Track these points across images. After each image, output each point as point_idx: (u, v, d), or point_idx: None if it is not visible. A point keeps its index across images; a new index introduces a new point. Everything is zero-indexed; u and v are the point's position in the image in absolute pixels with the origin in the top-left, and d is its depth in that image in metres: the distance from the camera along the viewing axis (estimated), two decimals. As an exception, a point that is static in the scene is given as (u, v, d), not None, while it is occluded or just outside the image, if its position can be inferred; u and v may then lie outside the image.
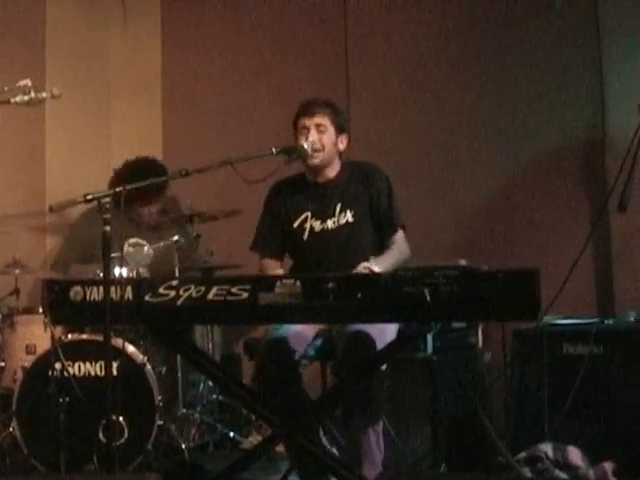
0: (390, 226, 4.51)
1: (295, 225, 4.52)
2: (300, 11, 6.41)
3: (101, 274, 4.04)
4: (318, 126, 4.46)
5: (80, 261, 5.85)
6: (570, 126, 5.64)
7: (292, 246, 4.56)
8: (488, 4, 5.89)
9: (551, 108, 5.69)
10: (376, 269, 4.13)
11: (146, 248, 5.24)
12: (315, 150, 4.43)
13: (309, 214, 4.51)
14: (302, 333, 4.25)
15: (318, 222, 4.50)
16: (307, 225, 4.50)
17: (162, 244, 5.46)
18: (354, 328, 4.07)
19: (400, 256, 4.44)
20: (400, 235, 4.52)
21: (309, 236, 4.50)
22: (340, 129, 4.52)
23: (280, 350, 4.16)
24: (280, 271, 4.47)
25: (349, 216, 4.48)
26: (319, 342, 4.34)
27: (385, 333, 4.05)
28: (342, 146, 4.55)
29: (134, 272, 5.12)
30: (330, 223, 4.49)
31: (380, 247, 4.49)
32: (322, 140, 4.45)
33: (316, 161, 4.46)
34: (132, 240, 5.22)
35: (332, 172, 4.55)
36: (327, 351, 4.33)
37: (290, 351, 4.18)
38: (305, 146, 4.38)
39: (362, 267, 4.17)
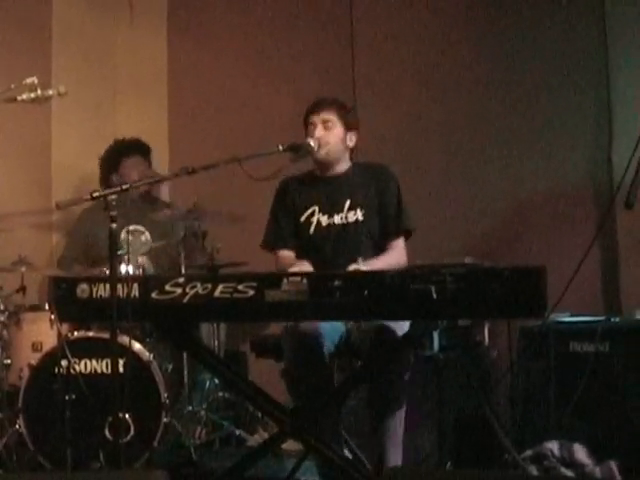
0: (394, 230, 4.50)
1: (302, 219, 4.51)
2: (306, 8, 6.40)
3: (107, 271, 4.04)
4: (325, 122, 4.47)
5: (83, 261, 5.85)
6: (577, 124, 5.64)
7: (298, 241, 4.53)
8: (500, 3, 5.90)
9: (558, 106, 5.68)
10: (365, 269, 4.11)
11: (146, 235, 5.25)
12: (320, 144, 4.43)
13: (317, 208, 4.51)
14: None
15: (325, 217, 4.49)
16: (314, 219, 4.50)
17: (168, 241, 5.47)
18: (378, 323, 4.05)
19: (392, 262, 4.40)
20: (400, 242, 4.51)
21: (315, 230, 4.49)
22: (348, 126, 4.52)
23: (311, 346, 4.11)
24: (296, 262, 4.41)
25: (359, 215, 4.48)
26: (336, 339, 4.29)
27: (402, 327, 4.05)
28: (351, 143, 4.55)
29: (135, 260, 5.13)
30: (337, 218, 4.48)
31: (382, 249, 4.49)
32: (328, 135, 4.46)
33: (321, 154, 4.46)
34: (130, 227, 5.24)
35: (341, 168, 4.55)
36: (345, 348, 4.29)
37: (322, 347, 4.13)
38: (312, 143, 4.38)
39: (352, 267, 4.15)
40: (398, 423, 4.18)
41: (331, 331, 4.20)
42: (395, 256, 4.47)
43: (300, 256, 4.51)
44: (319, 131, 4.46)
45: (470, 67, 5.94)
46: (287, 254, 4.52)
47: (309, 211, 4.52)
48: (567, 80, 5.68)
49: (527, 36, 5.79)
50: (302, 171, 4.62)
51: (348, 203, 4.49)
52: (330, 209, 4.50)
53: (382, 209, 4.50)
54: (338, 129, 4.50)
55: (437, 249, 5.50)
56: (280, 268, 4.44)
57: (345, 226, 4.48)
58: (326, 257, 4.44)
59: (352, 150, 4.59)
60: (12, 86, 4.28)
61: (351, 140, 4.55)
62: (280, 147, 4.22)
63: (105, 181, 5.83)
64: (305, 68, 6.30)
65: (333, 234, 4.48)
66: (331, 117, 4.48)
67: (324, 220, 4.50)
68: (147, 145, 6.02)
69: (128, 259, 5.00)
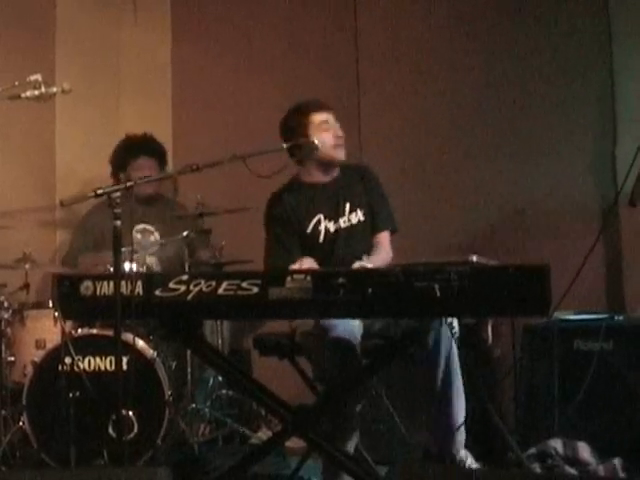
0: (382, 226, 4.52)
1: (309, 230, 4.48)
2: (310, 7, 6.41)
3: (111, 268, 4.04)
4: (336, 121, 4.48)
5: (90, 250, 5.85)
6: (581, 121, 5.64)
7: (305, 252, 4.46)
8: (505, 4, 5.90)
9: (562, 103, 5.68)
10: (369, 267, 4.13)
11: (155, 235, 5.26)
12: (340, 145, 4.44)
13: (321, 216, 4.48)
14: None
15: (331, 223, 4.48)
16: (321, 227, 4.47)
17: (172, 239, 5.47)
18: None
19: (386, 258, 4.46)
20: (386, 236, 4.53)
21: (325, 238, 4.46)
22: None
23: (348, 350, 4.05)
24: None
25: (360, 215, 4.48)
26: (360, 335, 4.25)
27: None
28: None
29: (143, 259, 5.13)
30: (342, 222, 4.48)
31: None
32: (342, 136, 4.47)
33: (341, 155, 4.46)
34: (140, 227, 5.24)
35: (334, 172, 4.53)
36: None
37: (355, 349, 4.08)
38: (316, 142, 4.36)
39: (357, 265, 4.16)
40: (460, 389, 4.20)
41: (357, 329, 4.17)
42: (386, 252, 4.49)
43: None
44: (337, 129, 4.45)
45: (474, 67, 5.93)
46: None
47: (314, 220, 4.48)
48: (571, 77, 5.67)
49: (531, 35, 5.79)
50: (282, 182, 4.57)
51: (348, 206, 4.48)
52: (334, 214, 4.48)
53: (371, 207, 4.51)
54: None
55: (442, 247, 5.51)
56: None
57: (351, 228, 4.48)
58: (343, 261, 4.37)
59: None
60: (16, 83, 4.28)
61: None
62: (284, 145, 4.22)
63: (115, 178, 5.84)
64: (309, 67, 6.30)
65: (342, 238, 4.47)
66: (333, 118, 4.48)
67: (331, 226, 4.47)
68: (158, 144, 5.97)
69: (131, 258, 4.99)
